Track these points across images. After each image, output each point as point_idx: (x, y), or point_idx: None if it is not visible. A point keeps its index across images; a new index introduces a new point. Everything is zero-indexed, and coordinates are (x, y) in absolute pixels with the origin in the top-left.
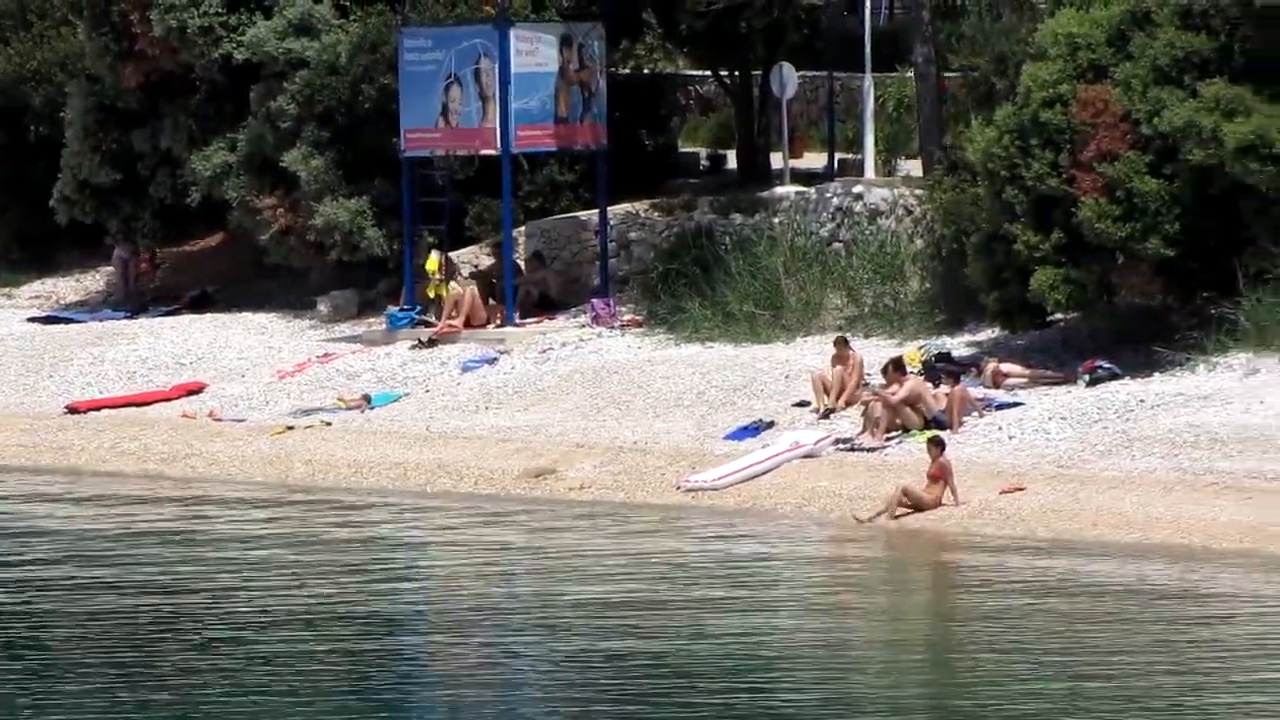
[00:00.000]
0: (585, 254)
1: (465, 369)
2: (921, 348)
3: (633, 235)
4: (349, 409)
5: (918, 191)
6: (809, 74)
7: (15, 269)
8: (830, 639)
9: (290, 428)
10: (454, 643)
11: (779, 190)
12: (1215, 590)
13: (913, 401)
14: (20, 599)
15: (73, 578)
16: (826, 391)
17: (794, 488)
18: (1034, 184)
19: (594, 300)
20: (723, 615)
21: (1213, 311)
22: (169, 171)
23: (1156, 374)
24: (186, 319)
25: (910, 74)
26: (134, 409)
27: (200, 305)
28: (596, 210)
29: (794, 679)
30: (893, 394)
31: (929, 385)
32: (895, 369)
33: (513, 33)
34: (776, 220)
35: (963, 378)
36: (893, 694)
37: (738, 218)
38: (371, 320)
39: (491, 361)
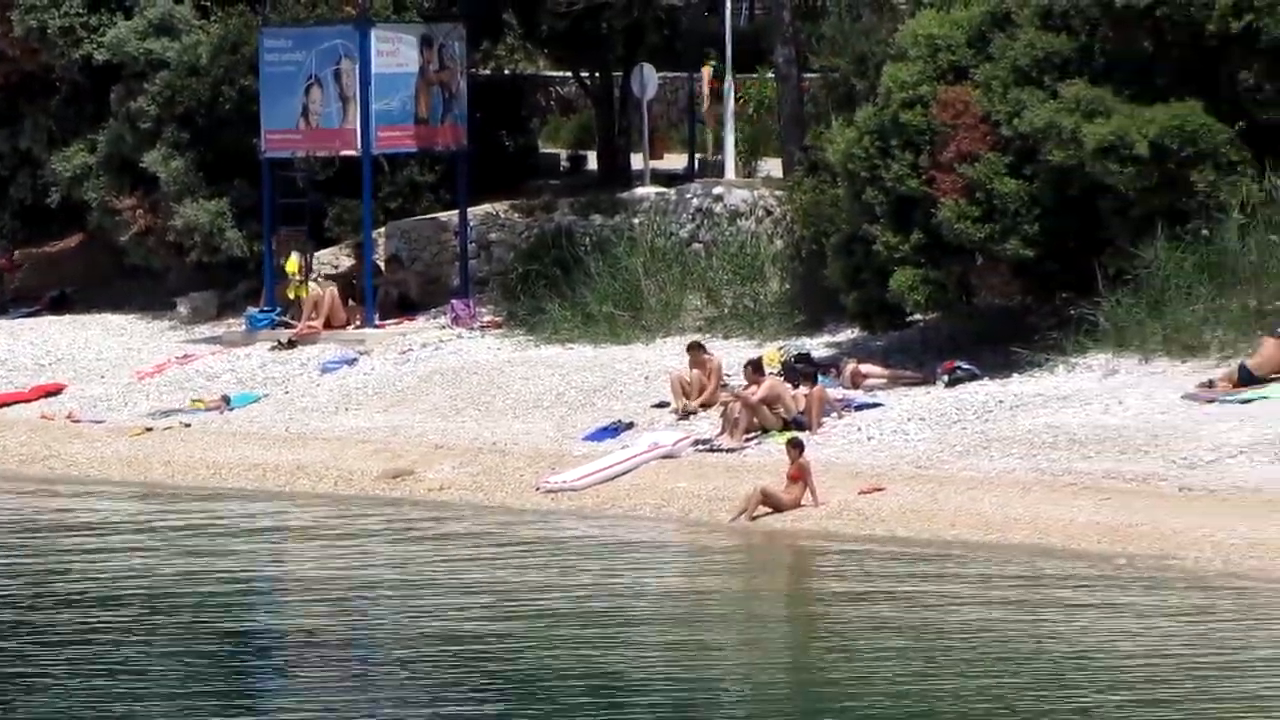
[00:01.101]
0: (445, 255)
1: (325, 370)
2: (781, 348)
3: (493, 236)
4: (207, 410)
5: (778, 192)
6: (669, 75)
7: None
8: (682, 640)
9: (149, 429)
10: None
11: (639, 191)
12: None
13: (771, 402)
14: None
15: None
16: (685, 393)
17: (653, 489)
18: (894, 185)
19: (454, 301)
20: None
21: (1072, 312)
22: (29, 172)
23: (1015, 375)
24: (46, 320)
25: (771, 75)
26: None
27: (59, 306)
28: (456, 211)
29: (647, 679)
30: (752, 394)
31: (788, 386)
32: (754, 370)
33: (373, 33)
34: (636, 221)
35: (821, 378)
36: (747, 694)
37: (598, 219)
38: (231, 321)
39: (351, 362)
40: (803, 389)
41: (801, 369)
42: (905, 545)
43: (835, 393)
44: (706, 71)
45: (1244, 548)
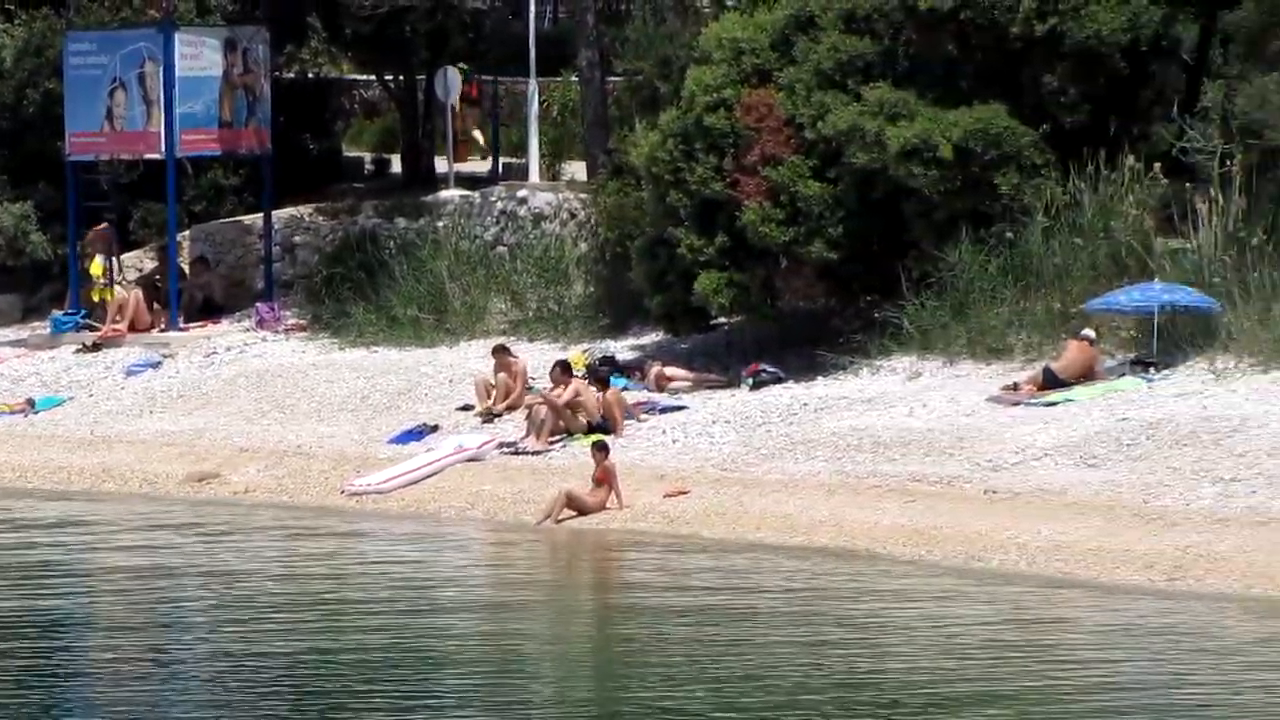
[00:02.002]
0: (250, 258)
1: (129, 373)
2: (585, 351)
3: (297, 239)
4: (12, 413)
5: (582, 195)
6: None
7: None
8: (492, 642)
9: None
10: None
11: (443, 194)
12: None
13: (577, 405)
14: None
15: None
16: (490, 396)
17: (458, 491)
18: (698, 188)
19: (258, 304)
20: (386, 618)
21: (876, 315)
22: None
23: (820, 377)
24: None
25: (575, 78)
26: None
27: None
28: (261, 214)
29: (455, 680)
30: (558, 396)
31: (594, 389)
32: (563, 371)
33: (177, 36)
34: (441, 224)
35: (625, 381)
36: (551, 693)
37: (402, 222)
38: (36, 324)
39: (155, 365)
40: (599, 393)
41: (605, 372)
42: (709, 547)
43: (640, 396)
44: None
45: (1048, 550)
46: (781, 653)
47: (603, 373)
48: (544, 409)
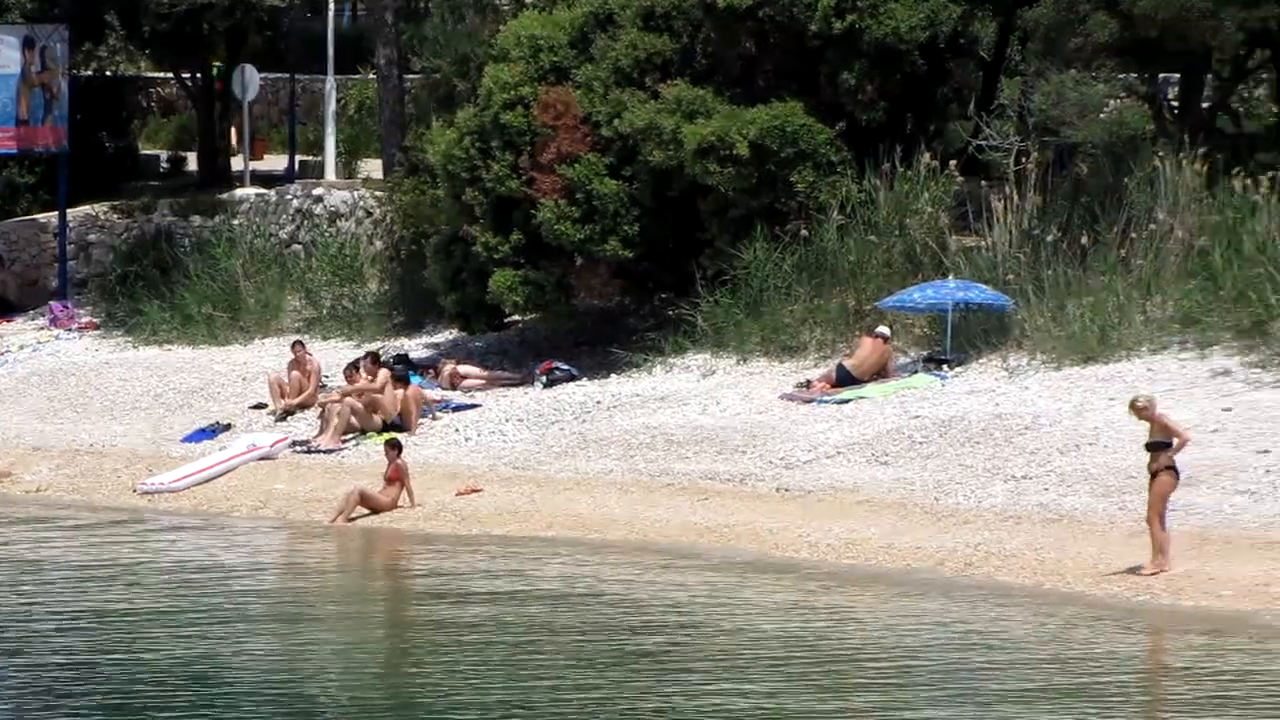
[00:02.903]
0: (44, 256)
1: None
2: (380, 349)
3: (92, 238)
4: None
5: (378, 194)
6: (271, 76)
7: None
8: (283, 641)
9: None
10: None
11: (239, 192)
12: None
13: (375, 403)
14: None
15: None
16: (283, 394)
17: (251, 490)
18: (494, 186)
19: (52, 303)
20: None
21: (670, 313)
22: None
23: (614, 375)
24: None
25: (373, 76)
26: None
27: None
28: (56, 213)
29: (243, 682)
30: (370, 384)
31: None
32: (373, 361)
33: None
34: (236, 222)
35: (419, 379)
36: (346, 692)
37: (198, 220)
38: None
39: None
40: (399, 390)
41: (400, 370)
42: (501, 545)
43: (433, 394)
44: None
45: (840, 548)
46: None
47: (399, 371)
48: (338, 407)
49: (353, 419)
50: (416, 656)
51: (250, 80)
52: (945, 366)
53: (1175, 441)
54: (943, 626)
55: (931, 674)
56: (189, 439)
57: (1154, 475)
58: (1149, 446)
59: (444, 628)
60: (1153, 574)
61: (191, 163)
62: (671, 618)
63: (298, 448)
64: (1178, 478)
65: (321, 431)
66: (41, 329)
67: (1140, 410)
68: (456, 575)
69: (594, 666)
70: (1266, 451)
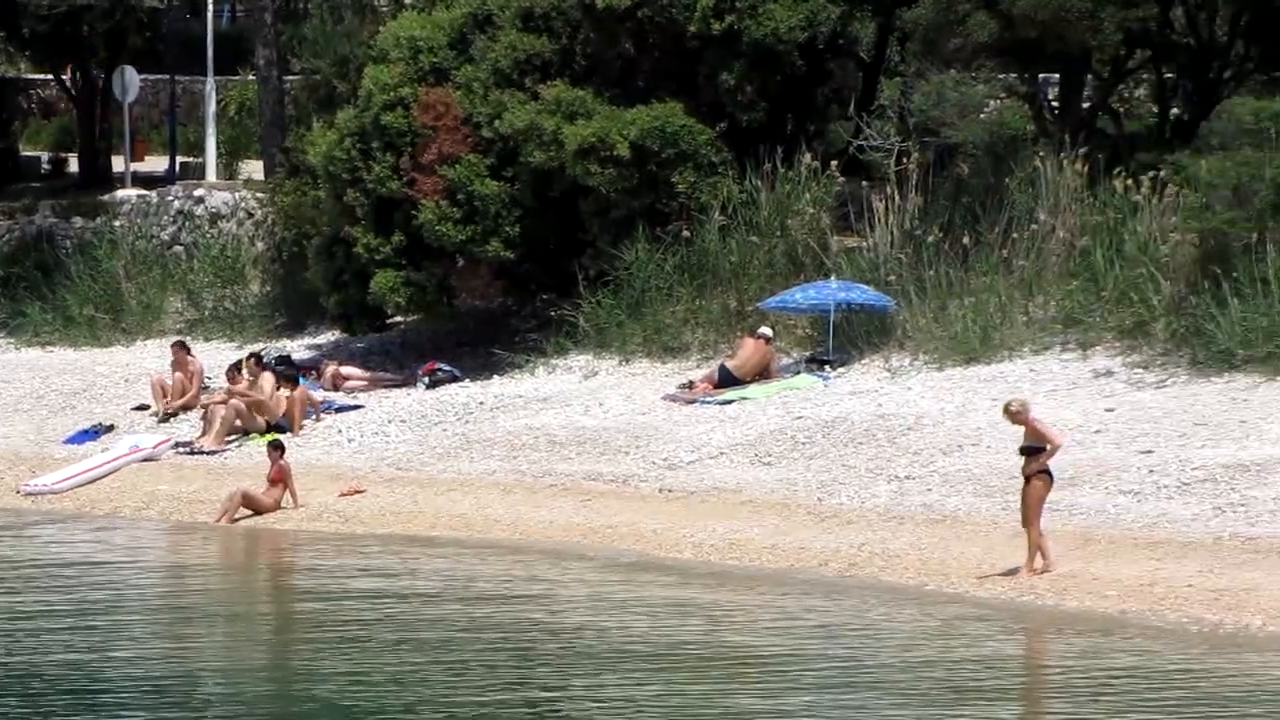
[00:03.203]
0: None
1: None
2: (263, 350)
3: None
4: None
5: (259, 195)
6: (151, 77)
7: None
8: (163, 640)
9: None
10: None
11: (120, 194)
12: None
13: (259, 404)
14: None
15: None
16: (166, 395)
17: (134, 491)
18: (375, 187)
19: None
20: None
21: (552, 313)
22: None
23: (496, 376)
24: None
25: (253, 77)
26: None
27: None
28: None
29: (123, 680)
30: (252, 387)
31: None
32: (257, 363)
33: None
34: (118, 224)
35: (301, 380)
36: (222, 696)
37: (79, 221)
38: None
39: None
40: (284, 391)
41: (283, 371)
42: (383, 545)
43: (316, 395)
44: None
45: (723, 548)
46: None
47: (290, 373)
48: (221, 408)
49: (236, 420)
50: (296, 654)
51: (130, 81)
52: (828, 367)
53: (1048, 447)
54: (823, 627)
55: (811, 674)
56: (71, 440)
57: (1028, 479)
58: (1023, 451)
59: (323, 626)
60: (1032, 574)
61: (73, 164)
62: (549, 618)
63: (181, 449)
64: (1051, 481)
65: (204, 433)
66: None
67: (1015, 415)
68: (336, 574)
69: (469, 665)
70: (1149, 452)
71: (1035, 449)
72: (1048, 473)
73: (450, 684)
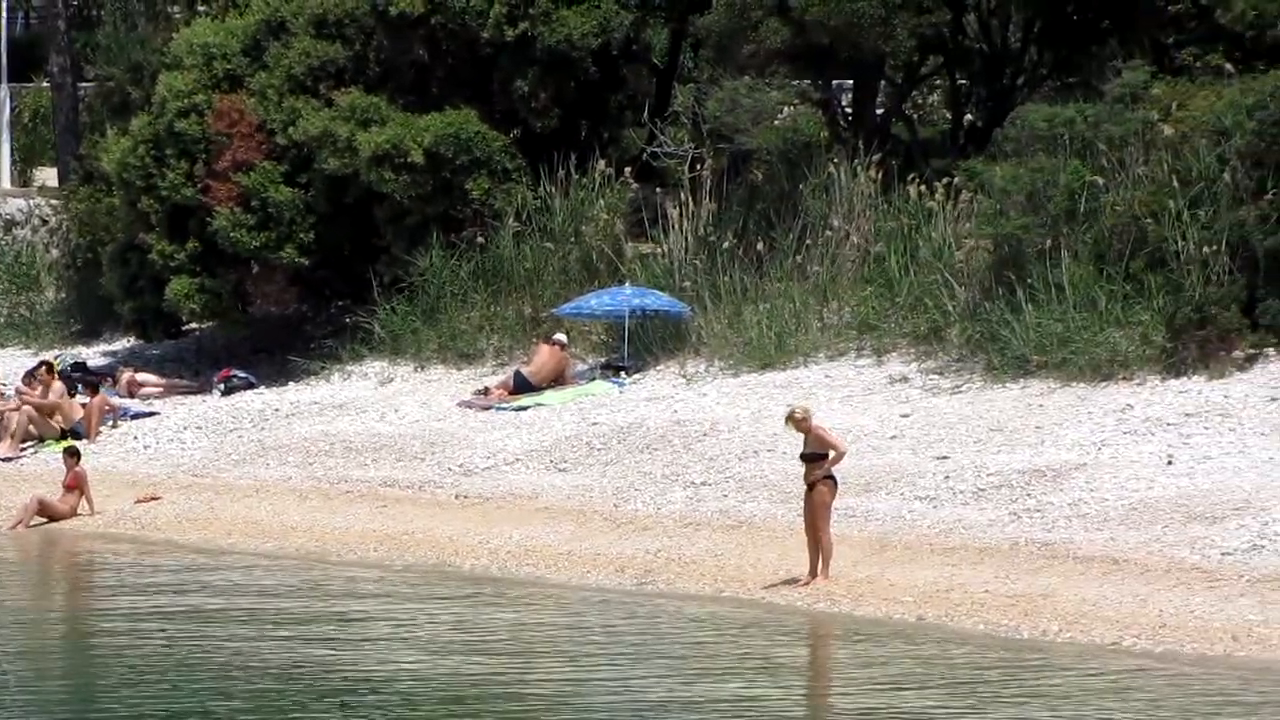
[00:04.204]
0: None
1: None
2: (57, 357)
3: None
4: None
5: (54, 201)
6: None
7: None
8: None
9: None
10: None
11: None
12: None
13: (51, 410)
14: None
15: None
16: None
17: None
18: (169, 194)
19: None
20: None
21: (348, 320)
22: None
23: (292, 383)
24: None
25: (47, 84)
26: None
27: None
28: None
29: None
30: (42, 395)
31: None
32: (48, 371)
33: None
34: None
35: (100, 387)
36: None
37: None
38: None
39: None
40: (82, 397)
41: (79, 378)
42: (178, 552)
43: (114, 400)
44: None
45: (519, 554)
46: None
47: (91, 379)
48: (16, 415)
49: (31, 427)
50: (83, 658)
51: None
52: (623, 373)
53: (831, 454)
54: (612, 633)
55: (598, 678)
56: None
57: (812, 486)
58: (805, 458)
59: (112, 633)
60: (826, 580)
61: None
62: (334, 624)
63: None
64: (836, 486)
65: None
66: None
67: (799, 422)
68: (129, 581)
69: (251, 668)
70: (945, 458)
71: (819, 455)
72: (832, 478)
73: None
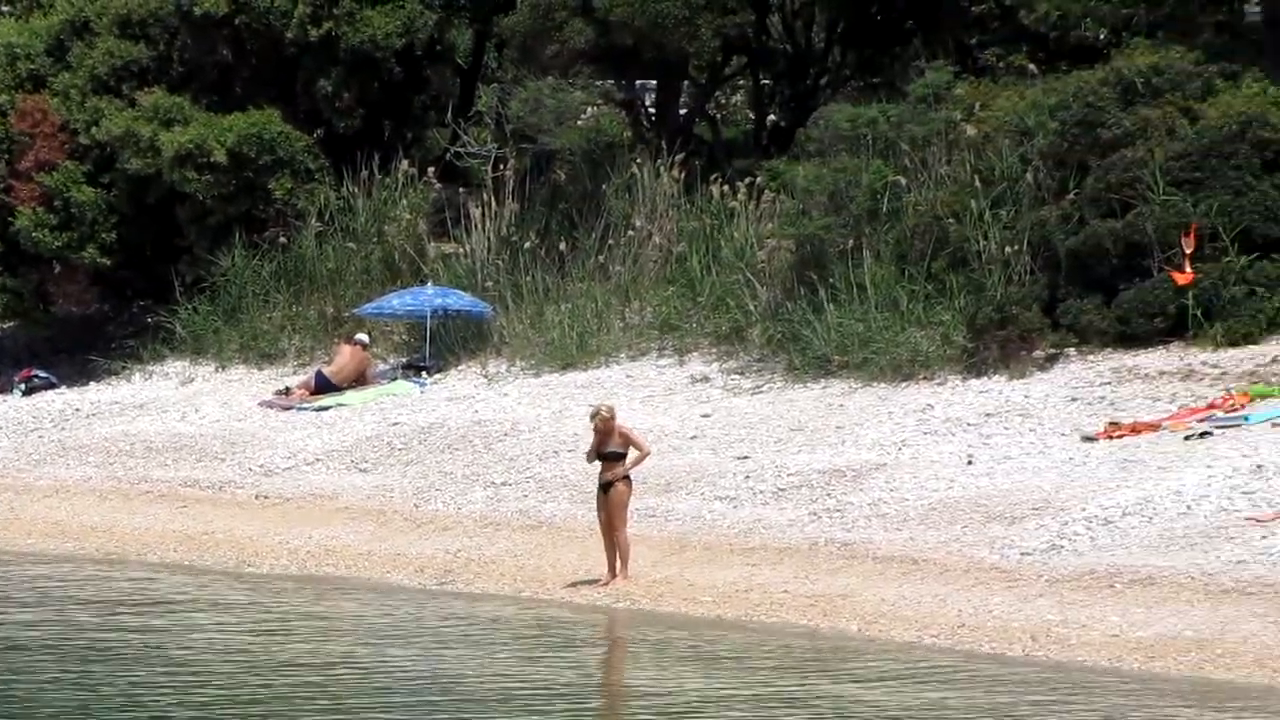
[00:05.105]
0: None
1: None
2: None
3: None
4: None
5: None
6: None
7: None
8: None
9: None
10: None
11: None
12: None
13: None
14: None
15: None
16: None
17: None
18: None
19: None
20: None
21: (150, 320)
22: None
23: (93, 383)
24: None
25: None
26: None
27: None
28: None
29: None
30: None
31: None
32: None
33: None
34: None
35: None
36: None
37: None
38: None
39: None
40: None
41: None
42: None
43: None
44: None
45: (320, 554)
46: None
47: None
48: None
49: None
50: None
51: None
52: (425, 373)
53: (634, 454)
54: (409, 639)
55: (390, 681)
56: None
57: (609, 486)
58: (605, 456)
59: None
60: (625, 580)
61: None
62: (126, 622)
63: None
64: (632, 486)
65: None
66: None
67: (605, 421)
68: None
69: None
70: (746, 458)
71: (619, 455)
72: (628, 477)
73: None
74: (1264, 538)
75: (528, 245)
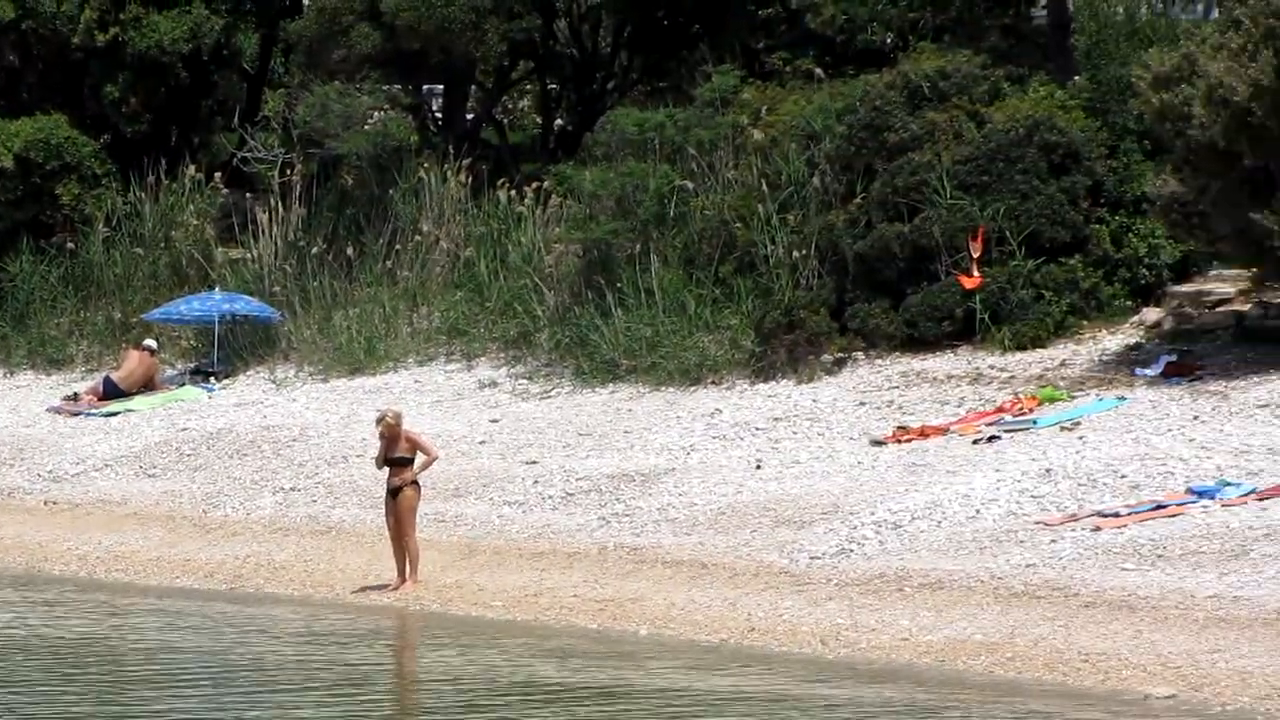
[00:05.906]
0: None
1: None
2: None
3: None
4: None
5: None
6: None
7: None
8: None
9: None
10: None
11: None
12: None
13: None
14: None
15: None
16: None
17: None
18: None
19: None
20: None
21: None
22: None
23: None
24: None
25: None
26: None
27: None
28: None
29: None
30: None
31: None
32: None
33: None
34: None
35: None
36: None
37: None
38: None
39: None
40: None
41: None
42: None
43: None
44: None
45: (109, 560)
46: None
47: None
48: None
49: None
50: None
51: None
52: (213, 378)
53: (422, 458)
54: (206, 651)
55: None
56: None
57: (397, 491)
58: (393, 462)
59: None
60: (415, 584)
61: None
62: None
63: None
64: (420, 491)
65: None
66: None
67: (391, 427)
68: None
69: None
70: (534, 462)
71: (406, 460)
72: (416, 482)
73: None
74: (1053, 541)
75: (315, 250)
